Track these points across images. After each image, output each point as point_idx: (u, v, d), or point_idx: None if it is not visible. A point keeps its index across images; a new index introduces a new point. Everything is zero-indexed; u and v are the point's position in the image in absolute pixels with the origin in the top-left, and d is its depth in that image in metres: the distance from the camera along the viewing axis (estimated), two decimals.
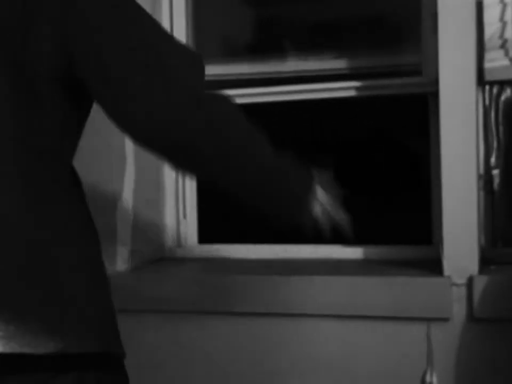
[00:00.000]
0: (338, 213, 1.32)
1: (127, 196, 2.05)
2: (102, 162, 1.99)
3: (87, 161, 2.01)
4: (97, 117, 2.00)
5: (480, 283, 1.68)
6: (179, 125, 1.10)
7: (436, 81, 1.80)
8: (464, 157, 1.72)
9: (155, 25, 1.19)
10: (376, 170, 2.30)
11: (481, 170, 1.93)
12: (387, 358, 1.79)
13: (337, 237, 1.28)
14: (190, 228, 2.30)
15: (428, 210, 2.04)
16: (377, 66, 2.15)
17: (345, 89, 2.08)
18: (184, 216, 2.30)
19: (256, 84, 2.24)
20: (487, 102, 1.94)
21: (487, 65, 1.89)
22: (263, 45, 2.43)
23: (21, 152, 1.09)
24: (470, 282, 1.70)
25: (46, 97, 1.10)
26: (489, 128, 1.94)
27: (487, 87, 1.93)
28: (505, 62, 1.88)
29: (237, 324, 1.90)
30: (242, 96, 2.20)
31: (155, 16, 2.19)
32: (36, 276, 1.07)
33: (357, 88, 2.07)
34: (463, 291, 1.71)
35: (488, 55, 1.90)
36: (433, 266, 1.83)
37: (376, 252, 2.07)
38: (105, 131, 1.98)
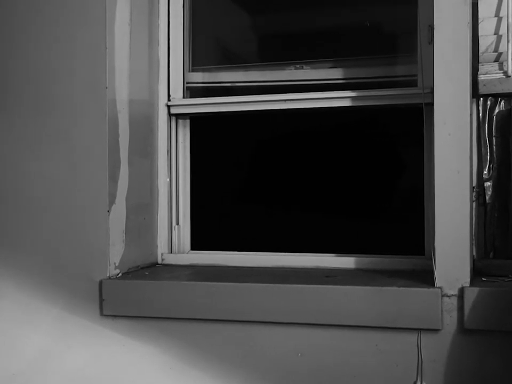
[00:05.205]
0: None
1: (120, 201, 2.05)
2: (95, 167, 1.99)
3: (81, 166, 2.01)
4: (92, 121, 2.01)
5: (471, 294, 1.68)
6: None
7: (431, 93, 1.81)
8: (458, 169, 1.72)
9: None
10: (369, 180, 2.30)
11: (474, 182, 1.94)
12: (377, 367, 1.79)
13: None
14: (183, 235, 2.30)
15: (421, 221, 2.05)
16: (372, 77, 2.16)
17: (340, 99, 2.10)
18: (177, 223, 2.30)
19: (251, 92, 2.25)
20: (481, 114, 1.95)
21: (482, 78, 1.90)
22: (259, 53, 2.44)
23: None
24: (461, 293, 1.71)
25: None
26: (482, 141, 1.95)
27: (481, 100, 1.94)
28: (500, 75, 1.90)
29: (228, 331, 1.90)
30: (237, 103, 2.21)
31: (153, 23, 2.22)
32: None
33: (352, 98, 2.08)
34: (454, 302, 1.72)
35: (482, 68, 1.91)
36: (425, 277, 1.84)
37: (368, 261, 2.07)
38: (99, 136, 2.00)
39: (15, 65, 2.07)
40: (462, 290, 1.70)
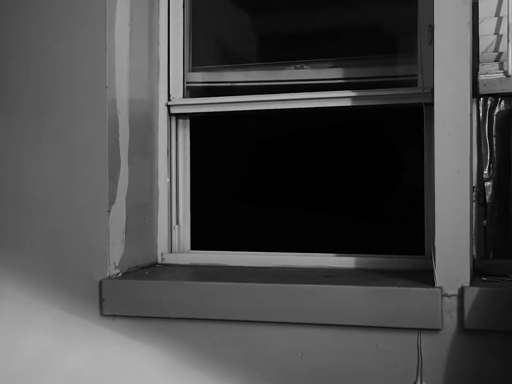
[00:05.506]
0: None
1: (120, 201, 2.05)
2: (95, 167, 1.99)
3: (81, 166, 2.01)
4: (92, 121, 2.01)
5: (472, 294, 1.68)
6: None
7: (431, 92, 1.81)
8: (458, 169, 1.72)
9: None
10: (369, 180, 2.30)
11: (474, 182, 1.94)
12: (377, 367, 1.78)
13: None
14: (183, 235, 2.30)
15: (421, 221, 2.05)
16: (373, 77, 2.16)
17: (340, 98, 2.09)
18: (177, 223, 2.30)
19: (252, 92, 2.25)
20: (481, 114, 1.94)
21: (482, 77, 1.90)
22: (259, 53, 2.44)
23: None
24: (461, 293, 1.70)
25: None
26: (482, 141, 1.95)
27: (481, 100, 1.94)
28: (500, 75, 1.90)
29: (228, 331, 1.90)
30: (237, 103, 2.21)
31: (153, 23, 2.22)
32: None
33: (352, 98, 2.08)
34: (454, 302, 1.72)
35: (483, 68, 1.91)
36: (425, 276, 1.83)
37: (368, 261, 2.07)
38: (99, 136, 2.00)
39: (15, 65, 2.07)
40: (462, 290, 1.70)
